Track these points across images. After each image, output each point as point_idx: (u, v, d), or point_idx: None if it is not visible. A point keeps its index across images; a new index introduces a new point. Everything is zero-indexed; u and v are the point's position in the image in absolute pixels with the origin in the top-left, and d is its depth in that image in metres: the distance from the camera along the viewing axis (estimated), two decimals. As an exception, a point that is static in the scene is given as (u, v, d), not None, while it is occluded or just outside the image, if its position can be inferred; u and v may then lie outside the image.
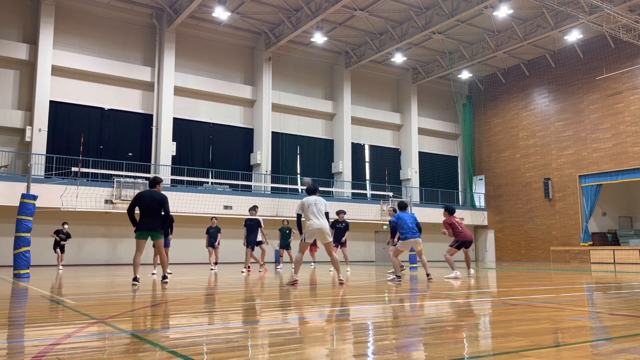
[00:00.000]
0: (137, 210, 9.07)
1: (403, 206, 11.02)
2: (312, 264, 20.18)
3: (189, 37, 25.51)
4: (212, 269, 15.92)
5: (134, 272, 8.92)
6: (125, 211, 9.27)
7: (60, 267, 17.09)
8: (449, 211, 11.91)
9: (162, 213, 9.06)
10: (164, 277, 9.18)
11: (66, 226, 17.08)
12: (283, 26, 25.77)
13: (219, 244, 16.18)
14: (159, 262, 13.44)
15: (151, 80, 24.40)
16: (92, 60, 23.13)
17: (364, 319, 5.10)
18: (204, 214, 21.17)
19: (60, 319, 5.03)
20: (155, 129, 24.26)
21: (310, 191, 9.50)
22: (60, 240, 17.00)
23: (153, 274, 12.64)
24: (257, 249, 15.02)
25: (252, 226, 14.41)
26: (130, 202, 9.14)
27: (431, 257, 16.31)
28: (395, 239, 11.42)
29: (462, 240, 11.75)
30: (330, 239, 9.19)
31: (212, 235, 16.35)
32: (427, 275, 10.59)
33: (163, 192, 9.27)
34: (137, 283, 8.73)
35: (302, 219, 9.20)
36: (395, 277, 10.34)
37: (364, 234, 27.70)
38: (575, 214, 27.38)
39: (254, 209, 14.85)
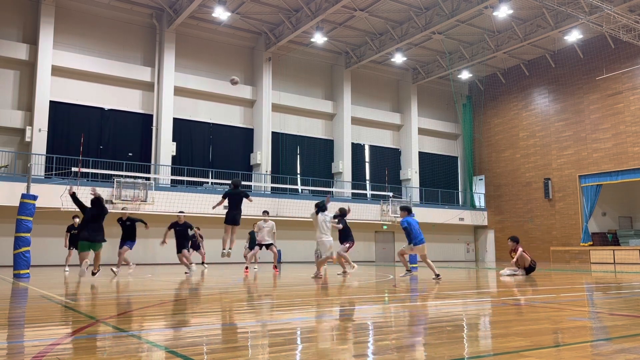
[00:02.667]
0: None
1: (410, 210, 11.92)
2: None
3: (189, 37, 25.50)
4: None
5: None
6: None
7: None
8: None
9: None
10: (94, 273, 9.64)
11: (77, 219, 15.09)
12: (283, 26, 25.76)
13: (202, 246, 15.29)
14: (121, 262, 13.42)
15: (151, 80, 24.39)
16: (92, 60, 23.11)
17: (364, 319, 5.10)
18: (203, 214, 21.14)
19: (60, 319, 5.03)
20: (155, 129, 24.25)
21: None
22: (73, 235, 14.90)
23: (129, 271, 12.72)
24: (258, 249, 14.96)
25: (180, 231, 14.06)
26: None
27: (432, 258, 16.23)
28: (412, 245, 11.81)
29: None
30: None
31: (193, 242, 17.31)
32: (437, 275, 10.90)
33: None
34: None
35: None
36: (406, 272, 11.75)
37: (364, 234, 27.68)
38: (575, 214, 27.37)
39: (181, 213, 14.45)
